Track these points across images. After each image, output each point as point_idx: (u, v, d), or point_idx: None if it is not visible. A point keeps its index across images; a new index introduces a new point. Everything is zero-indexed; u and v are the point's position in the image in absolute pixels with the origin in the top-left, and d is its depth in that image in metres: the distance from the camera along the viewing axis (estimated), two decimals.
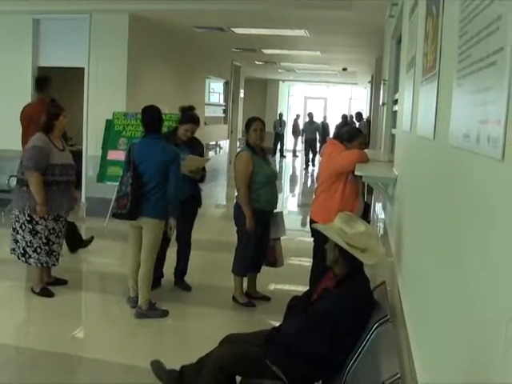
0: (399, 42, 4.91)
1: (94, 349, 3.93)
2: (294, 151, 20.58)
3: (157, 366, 3.32)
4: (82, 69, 7.99)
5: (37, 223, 4.63)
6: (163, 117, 4.71)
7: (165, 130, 7.53)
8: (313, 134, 17.84)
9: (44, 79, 6.32)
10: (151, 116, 4.51)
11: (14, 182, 7.79)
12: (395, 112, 5.02)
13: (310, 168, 17.11)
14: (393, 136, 5.34)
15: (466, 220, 1.38)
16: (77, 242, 5.96)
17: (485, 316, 1.14)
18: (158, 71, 9.29)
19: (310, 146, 17.58)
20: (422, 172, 2.32)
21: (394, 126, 5.03)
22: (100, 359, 3.76)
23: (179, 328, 4.43)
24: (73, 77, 8.43)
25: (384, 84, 6.72)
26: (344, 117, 16.64)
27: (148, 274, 4.46)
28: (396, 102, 4.91)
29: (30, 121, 5.84)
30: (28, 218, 4.62)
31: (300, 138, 20.66)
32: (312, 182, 14.51)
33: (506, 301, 0.99)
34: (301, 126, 20.68)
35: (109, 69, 7.83)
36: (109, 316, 4.68)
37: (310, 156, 17.41)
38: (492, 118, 1.10)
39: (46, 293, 4.80)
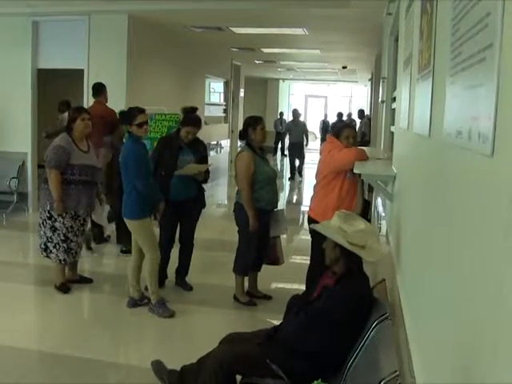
0: (397, 39, 4.91)
1: (95, 349, 3.93)
2: None
3: (157, 366, 3.32)
4: (82, 70, 8.00)
5: (55, 220, 4.80)
6: (141, 118, 4.39)
7: (164, 130, 7.66)
8: (299, 136, 13.83)
9: (99, 84, 6.91)
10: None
11: (14, 184, 7.91)
12: (394, 109, 5.03)
13: (297, 178, 14.07)
14: (392, 133, 5.34)
15: (460, 216, 1.38)
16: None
17: (480, 314, 1.14)
18: (158, 71, 9.30)
19: (296, 151, 13.85)
20: (419, 169, 2.32)
21: (393, 124, 5.03)
22: (101, 360, 3.77)
23: (180, 327, 4.43)
24: (72, 78, 8.44)
25: (383, 82, 6.72)
26: (339, 114, 15.85)
27: (150, 268, 4.51)
28: (395, 99, 4.91)
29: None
30: (48, 215, 4.80)
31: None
32: (300, 192, 13.02)
33: (499, 298, 0.99)
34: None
35: (108, 70, 7.84)
36: (109, 316, 4.68)
37: (297, 163, 14.07)
38: (482, 114, 1.10)
39: (62, 288, 4.97)
